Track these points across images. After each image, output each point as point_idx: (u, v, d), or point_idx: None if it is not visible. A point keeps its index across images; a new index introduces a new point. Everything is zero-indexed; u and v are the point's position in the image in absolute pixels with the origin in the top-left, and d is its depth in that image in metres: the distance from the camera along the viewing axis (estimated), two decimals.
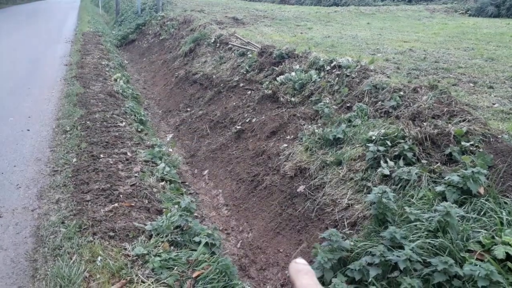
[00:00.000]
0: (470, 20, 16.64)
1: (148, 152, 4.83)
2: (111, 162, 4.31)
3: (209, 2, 21.55)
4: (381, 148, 3.78)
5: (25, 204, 3.54)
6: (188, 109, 8.12)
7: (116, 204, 3.44)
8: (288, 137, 5.30)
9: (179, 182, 4.71)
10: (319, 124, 5.01)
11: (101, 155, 4.52)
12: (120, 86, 7.77)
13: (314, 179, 4.22)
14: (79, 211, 3.38)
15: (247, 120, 6.32)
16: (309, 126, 5.16)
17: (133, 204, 3.54)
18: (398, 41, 11.21)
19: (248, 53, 8.25)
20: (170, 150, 5.93)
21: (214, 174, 5.71)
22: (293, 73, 6.16)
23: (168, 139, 6.00)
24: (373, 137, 3.97)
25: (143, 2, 17.47)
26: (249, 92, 7.07)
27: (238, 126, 6.32)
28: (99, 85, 7.63)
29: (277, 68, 6.82)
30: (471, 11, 19.01)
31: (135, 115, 6.43)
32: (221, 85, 7.91)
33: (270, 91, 6.45)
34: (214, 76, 8.39)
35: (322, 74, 5.87)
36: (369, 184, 3.67)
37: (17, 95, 7.01)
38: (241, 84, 7.44)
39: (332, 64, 5.88)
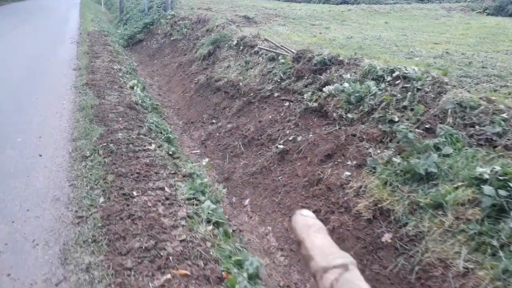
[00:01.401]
0: (491, 20, 15.84)
1: (188, 185, 3.90)
2: (149, 204, 3.39)
3: None
4: (503, 193, 2.89)
5: (45, 273, 2.61)
6: (214, 121, 7.19)
7: (168, 276, 2.52)
8: (349, 163, 4.39)
9: (228, 224, 3.79)
10: (393, 150, 4.10)
11: (134, 192, 3.60)
12: (139, 96, 6.82)
13: (404, 226, 3.32)
14: (120, 286, 2.46)
15: (290, 138, 5.40)
16: (378, 151, 4.25)
17: (188, 273, 2.63)
18: (427, 42, 10.33)
19: (280, 57, 7.32)
20: (205, 174, 5.01)
21: (258, 205, 4.79)
22: (345, 84, 5.24)
23: (203, 163, 5.07)
24: (486, 176, 3.07)
25: (150, 0, 16.45)
26: (286, 104, 6.15)
27: (280, 145, 5.41)
28: (115, 95, 6.68)
29: (321, 77, 5.90)
30: (490, 10, 18.18)
31: (161, 132, 5.49)
32: (251, 94, 6.98)
33: (315, 104, 5.54)
34: (241, 84, 7.45)
35: (383, 85, 4.95)
36: (493, 241, 2.78)
37: (24, 107, 6.05)
38: (276, 94, 6.51)
39: (395, 74, 4.96)
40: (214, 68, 8.61)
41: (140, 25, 14.84)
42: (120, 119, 5.55)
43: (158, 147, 4.77)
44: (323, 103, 5.43)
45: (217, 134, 6.68)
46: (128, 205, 3.39)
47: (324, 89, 5.60)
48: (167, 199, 3.56)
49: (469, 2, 20.45)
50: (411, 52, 8.97)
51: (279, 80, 6.71)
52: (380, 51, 9.12)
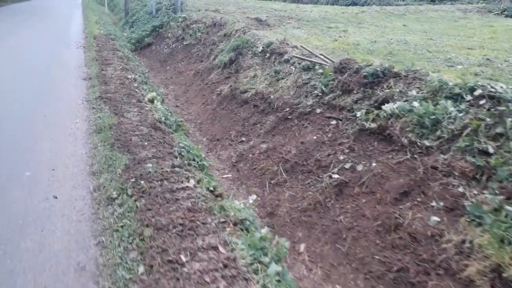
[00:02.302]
0: None
1: (245, 240, 3.01)
2: (207, 279, 2.50)
3: (219, 1, 19.57)
4: None
5: None
6: (243, 139, 6.30)
7: None
8: (434, 204, 3.51)
9: None
10: (497, 192, 3.22)
11: (182, 257, 2.71)
12: (161, 112, 5.92)
13: None
14: None
15: (346, 166, 4.52)
16: (473, 191, 3.37)
17: None
18: (460, 47, 9.48)
19: (316, 67, 6.43)
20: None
21: (318, 253, 3.90)
22: (414, 103, 4.35)
23: (250, 201, 4.17)
24: None
25: (158, 2, 15.51)
26: (333, 123, 5.27)
27: (335, 174, 4.52)
28: (135, 111, 5.78)
29: (376, 92, 5.01)
30: (509, 11, 17.36)
31: (194, 159, 4.60)
32: (286, 109, 6.09)
33: (373, 125, 4.66)
34: (272, 96, 6.56)
35: (463, 106, 4.07)
36: None
37: (31, 128, 5.14)
38: (318, 110, 5.62)
39: (476, 93, 4.08)
40: (238, 77, 7.71)
41: (149, 28, 13.92)
42: (146, 143, 4.65)
43: (197, 182, 3.88)
44: (385, 124, 4.54)
45: (250, 155, 5.78)
46: (178, 279, 2.50)
47: (383, 107, 4.72)
48: (225, 266, 2.67)
49: (484, 3, 19.61)
50: (449, 59, 8.12)
51: (320, 94, 5.83)
52: (414, 57, 8.28)
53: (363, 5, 21.73)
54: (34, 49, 11.17)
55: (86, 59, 9.55)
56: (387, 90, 4.89)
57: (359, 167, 4.38)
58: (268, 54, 7.70)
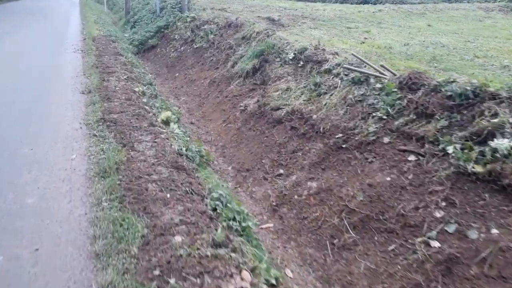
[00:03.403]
0: None
1: None
2: None
3: None
4: None
5: None
6: (282, 171, 4.94)
7: None
8: None
9: None
10: None
11: None
12: (181, 141, 4.56)
13: None
14: None
15: (448, 230, 3.17)
16: None
17: None
18: (508, 52, 8.22)
19: (372, 80, 5.07)
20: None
21: None
22: None
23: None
24: None
25: (163, 0, 14.05)
26: (412, 158, 3.91)
27: (432, 240, 3.17)
28: (148, 140, 4.40)
29: (480, 122, 3.65)
30: None
31: (234, 218, 3.24)
32: (337, 134, 4.73)
33: (479, 169, 3.31)
34: (314, 116, 5.20)
35: None
36: None
37: (10, 172, 3.75)
38: (386, 139, 4.26)
39: None
40: (267, 90, 6.33)
41: (153, 28, 12.51)
42: (168, 195, 3.29)
43: (252, 270, 2.51)
44: (499, 169, 3.19)
45: (296, 196, 4.42)
46: None
47: (492, 143, 3.37)
48: None
49: (506, 1, 18.30)
50: (507, 66, 6.84)
51: (384, 117, 4.46)
52: (463, 64, 7.02)
53: (375, 4, 20.39)
54: (27, 54, 9.73)
55: (85, 66, 8.14)
56: (495, 120, 3.53)
57: (472, 234, 3.03)
58: (302, 62, 6.33)
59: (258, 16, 12.77)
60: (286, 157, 5.10)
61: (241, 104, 6.44)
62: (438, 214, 3.32)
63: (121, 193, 3.29)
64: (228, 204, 3.41)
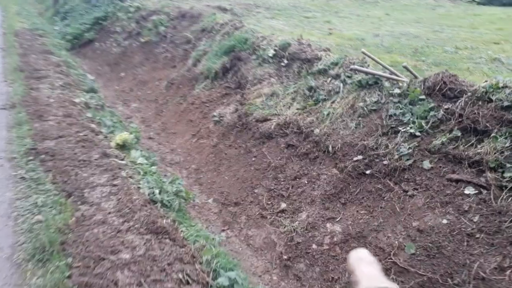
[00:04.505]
0: (493, 10, 14.03)
1: None
2: None
3: None
4: None
5: None
6: (284, 205, 3.75)
7: None
8: None
9: None
10: None
11: None
12: (152, 178, 3.22)
13: None
14: None
15: None
16: None
17: None
18: (484, 42, 7.71)
19: (387, 84, 4.01)
20: None
21: None
22: None
23: None
24: None
25: None
26: (470, 192, 2.90)
27: None
28: (105, 183, 3.01)
29: None
30: None
31: None
32: (357, 156, 3.62)
33: None
34: (317, 131, 4.06)
35: None
36: None
37: None
38: (426, 164, 3.22)
39: None
40: (246, 95, 5.07)
41: (89, 20, 10.67)
42: None
43: None
44: None
45: (314, 245, 3.27)
46: None
47: None
48: None
49: None
50: (496, 59, 6.22)
51: (417, 133, 3.42)
52: (450, 57, 6.38)
53: None
54: None
55: (5, 69, 6.32)
56: None
57: None
58: (286, 61, 5.14)
59: (207, 5, 11.34)
60: (287, 185, 3.91)
61: (214, 114, 5.14)
62: None
63: None
64: None
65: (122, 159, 3.52)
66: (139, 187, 3.03)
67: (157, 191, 3.08)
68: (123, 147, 3.87)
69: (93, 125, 4.21)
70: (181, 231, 2.77)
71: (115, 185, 2.98)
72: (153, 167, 3.75)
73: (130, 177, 3.16)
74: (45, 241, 2.32)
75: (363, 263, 0.69)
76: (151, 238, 2.43)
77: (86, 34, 10.52)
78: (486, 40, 7.76)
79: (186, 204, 3.48)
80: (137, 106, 6.44)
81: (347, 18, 11.27)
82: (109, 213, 2.62)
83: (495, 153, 2.96)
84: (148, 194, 2.98)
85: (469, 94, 3.36)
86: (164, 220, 2.65)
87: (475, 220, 2.77)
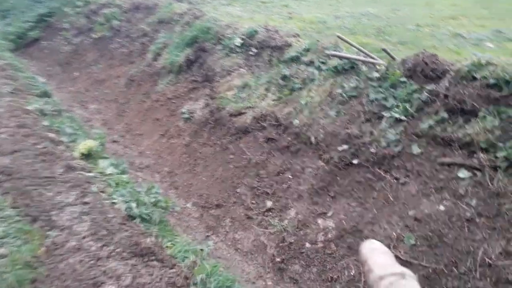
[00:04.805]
0: None
1: None
2: None
3: None
4: None
5: None
6: (270, 204, 3.54)
7: None
8: None
9: None
10: None
11: None
12: (126, 191, 2.89)
13: None
14: None
15: None
16: None
17: None
18: (442, 18, 7.86)
19: (364, 68, 3.85)
20: None
21: None
22: None
23: None
24: None
25: None
26: (464, 175, 2.80)
27: None
28: (74, 201, 2.65)
29: None
30: None
31: None
32: (342, 146, 3.45)
33: None
34: (296, 122, 3.86)
35: None
36: None
37: None
38: (415, 149, 3.09)
39: None
40: (215, 89, 4.77)
41: (32, 17, 9.87)
42: None
43: None
44: None
45: (307, 244, 3.08)
46: None
47: None
48: None
49: None
50: (459, 34, 6.31)
51: (402, 118, 3.29)
52: (414, 35, 6.50)
53: None
54: None
55: None
56: None
57: None
58: (255, 49, 4.87)
59: None
60: (271, 181, 3.70)
61: (183, 110, 4.81)
62: None
63: None
64: None
65: (90, 171, 3.15)
66: (113, 203, 2.70)
67: (133, 204, 2.77)
68: (89, 156, 3.49)
69: (51, 135, 3.78)
70: (167, 247, 2.49)
71: (86, 203, 2.64)
72: (124, 175, 3.41)
73: (102, 191, 2.81)
74: (12, 281, 1.97)
75: (376, 253, 0.67)
76: (137, 263, 2.14)
77: (31, 32, 9.72)
78: (444, 16, 7.83)
79: (165, 214, 3.17)
80: (96, 108, 5.97)
81: (304, 1, 11.10)
82: (84, 237, 2.29)
83: (485, 133, 2.87)
84: (125, 210, 2.67)
85: (452, 73, 3.26)
86: (148, 239, 2.36)
87: (473, 204, 2.68)
